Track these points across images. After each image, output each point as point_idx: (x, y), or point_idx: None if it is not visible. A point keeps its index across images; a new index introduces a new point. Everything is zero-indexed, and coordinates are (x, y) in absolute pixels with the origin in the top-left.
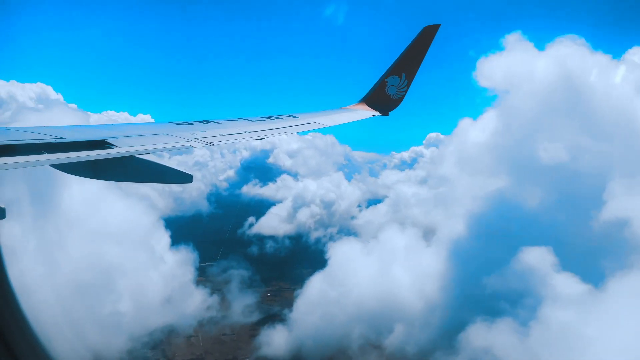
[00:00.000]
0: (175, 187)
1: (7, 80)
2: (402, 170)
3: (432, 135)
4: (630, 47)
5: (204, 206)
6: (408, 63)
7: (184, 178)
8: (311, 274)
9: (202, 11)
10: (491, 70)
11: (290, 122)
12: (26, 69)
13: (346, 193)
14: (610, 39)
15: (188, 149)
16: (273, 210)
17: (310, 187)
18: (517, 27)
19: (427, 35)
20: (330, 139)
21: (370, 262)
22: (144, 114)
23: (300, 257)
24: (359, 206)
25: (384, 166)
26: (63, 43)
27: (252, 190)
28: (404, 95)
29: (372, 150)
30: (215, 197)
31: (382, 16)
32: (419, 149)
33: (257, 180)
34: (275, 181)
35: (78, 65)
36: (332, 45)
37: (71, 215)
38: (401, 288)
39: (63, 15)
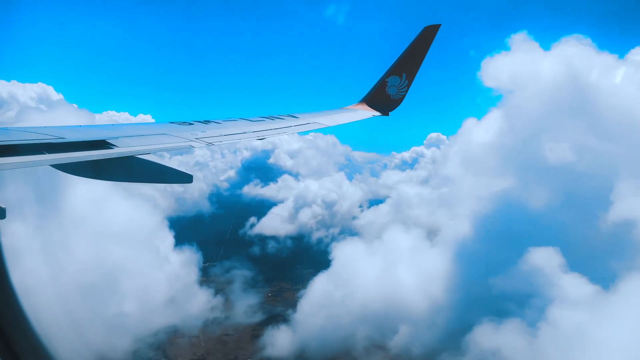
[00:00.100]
0: (177, 188)
1: (8, 80)
2: (403, 170)
3: (433, 135)
4: (633, 47)
5: (206, 206)
6: (408, 63)
7: (185, 178)
8: (314, 274)
9: (202, 11)
10: (496, 70)
11: (291, 122)
12: (27, 69)
13: (348, 193)
14: (616, 39)
15: (188, 149)
16: (274, 210)
17: (312, 187)
18: (521, 27)
19: (427, 35)
20: (331, 139)
21: (374, 262)
22: (145, 114)
23: (302, 258)
24: (360, 206)
25: (385, 166)
26: (64, 43)
27: (253, 190)
28: (404, 96)
29: (372, 150)
30: (216, 198)
31: (383, 16)
32: (420, 149)
33: (258, 181)
34: (277, 181)
35: (79, 65)
36: (333, 45)
37: (73, 216)
38: (406, 289)
39: (64, 16)
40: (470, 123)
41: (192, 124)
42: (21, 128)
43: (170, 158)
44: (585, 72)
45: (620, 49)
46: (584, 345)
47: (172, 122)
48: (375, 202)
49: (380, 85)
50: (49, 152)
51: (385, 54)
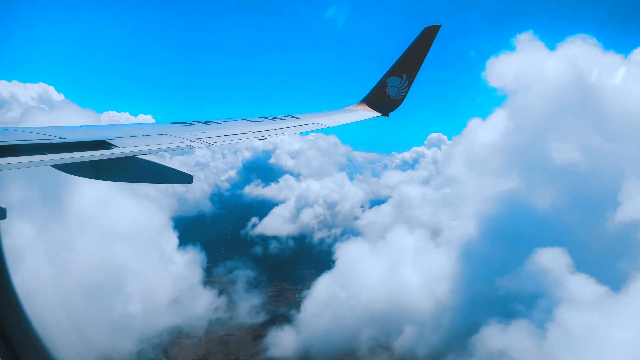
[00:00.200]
0: (178, 188)
1: (9, 81)
2: (404, 170)
3: (434, 135)
4: (636, 47)
5: (207, 207)
6: (409, 64)
7: (185, 178)
8: (316, 274)
9: (203, 11)
10: (501, 69)
11: (291, 122)
12: (28, 69)
13: (349, 193)
14: (622, 38)
15: (189, 150)
16: (276, 210)
17: (313, 187)
18: (524, 27)
19: (427, 36)
20: (332, 139)
21: (378, 262)
22: (145, 114)
23: (304, 258)
24: (361, 207)
25: (385, 166)
26: (65, 43)
27: (255, 190)
28: (404, 96)
29: (372, 150)
30: (217, 198)
31: (384, 17)
32: (421, 149)
33: (259, 181)
34: (278, 181)
35: (80, 65)
36: (333, 46)
37: (74, 216)
38: (410, 289)
39: (64, 16)
40: (474, 123)
41: (193, 124)
42: (22, 128)
43: (171, 158)
44: (590, 72)
45: (626, 49)
46: (593, 346)
47: (172, 123)
48: (376, 202)
49: (381, 86)
50: (50, 153)
51: (386, 54)
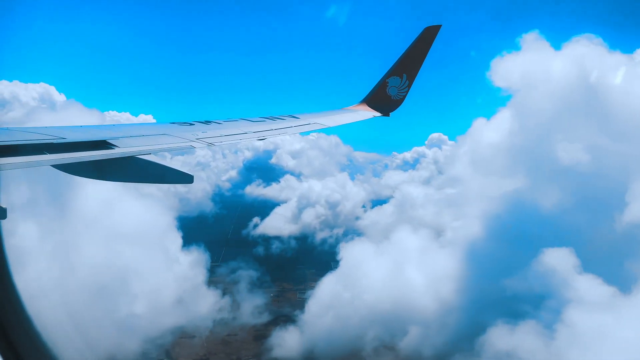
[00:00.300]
0: (180, 188)
1: (10, 81)
2: (405, 170)
3: (435, 135)
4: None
5: (209, 207)
6: (409, 64)
7: (185, 178)
8: (319, 275)
9: (204, 11)
10: (506, 69)
11: (291, 122)
12: (29, 69)
13: (351, 194)
14: (628, 38)
15: (189, 150)
16: (277, 210)
17: (315, 187)
18: (521, 26)
19: (428, 36)
20: (334, 139)
21: (383, 263)
22: (146, 114)
23: (307, 258)
24: (363, 207)
25: (386, 166)
26: (65, 43)
27: (256, 190)
28: (405, 96)
29: (373, 150)
30: (218, 198)
31: (385, 16)
32: (421, 149)
33: (260, 181)
34: (279, 182)
35: (80, 65)
36: (334, 45)
37: (76, 216)
38: (415, 289)
39: (65, 16)
40: (479, 123)
41: (193, 125)
42: (22, 128)
43: (171, 158)
44: (596, 71)
45: (632, 49)
46: (602, 347)
47: (173, 123)
48: (378, 202)
49: (381, 86)
50: (50, 153)
51: (386, 54)
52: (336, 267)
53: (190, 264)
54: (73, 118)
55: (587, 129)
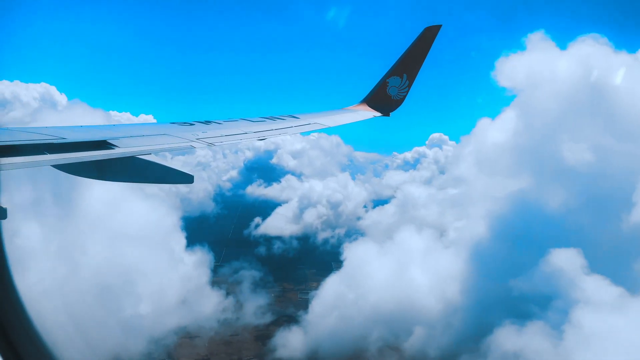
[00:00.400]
0: (182, 188)
1: (11, 80)
2: (405, 170)
3: (435, 135)
4: None
5: (210, 207)
6: (409, 64)
7: (186, 178)
8: (322, 275)
9: (204, 12)
10: (511, 69)
11: (292, 122)
12: (30, 69)
13: (353, 194)
14: (635, 38)
15: (189, 150)
16: (279, 210)
17: (316, 187)
18: (520, 26)
19: (428, 36)
20: (335, 139)
21: (386, 263)
22: (146, 114)
23: (309, 259)
24: (364, 207)
25: (386, 167)
26: (66, 43)
27: (257, 190)
28: (405, 96)
29: (373, 150)
30: (219, 198)
31: (386, 16)
32: (422, 149)
33: (261, 181)
34: (280, 182)
35: (81, 65)
36: (334, 46)
37: (78, 216)
38: (419, 290)
39: (65, 16)
40: (483, 123)
41: (193, 125)
42: (22, 128)
43: (172, 158)
44: (602, 71)
45: (638, 49)
46: (610, 348)
47: (173, 123)
48: (379, 202)
49: (381, 86)
50: (50, 153)
51: (387, 54)
52: (339, 268)
53: (194, 264)
54: (79, 118)
55: (592, 129)
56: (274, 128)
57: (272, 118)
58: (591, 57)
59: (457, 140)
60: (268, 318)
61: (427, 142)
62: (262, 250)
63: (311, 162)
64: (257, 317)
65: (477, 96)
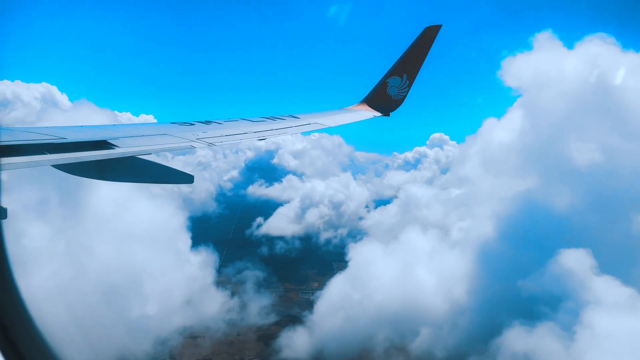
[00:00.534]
0: (184, 188)
1: (12, 80)
2: (406, 170)
3: (436, 135)
4: None
5: (212, 207)
6: (409, 64)
7: (186, 178)
8: (325, 275)
9: (205, 11)
10: (517, 68)
11: (292, 122)
12: (31, 68)
13: (355, 194)
14: None
15: (190, 150)
16: (280, 210)
17: (318, 187)
18: (520, 26)
19: (428, 36)
20: (337, 139)
21: (391, 263)
22: (147, 114)
23: (311, 259)
24: (366, 207)
25: (387, 167)
26: (66, 43)
27: (258, 190)
28: (405, 96)
29: (374, 150)
30: (221, 198)
31: (387, 16)
32: (423, 149)
33: (262, 181)
34: (281, 182)
35: (81, 65)
36: (334, 45)
37: (79, 216)
38: (425, 290)
39: (66, 15)
40: (489, 122)
41: (194, 125)
42: (23, 128)
43: (172, 158)
44: (609, 71)
45: None
46: (622, 349)
47: (173, 123)
48: (381, 202)
49: (382, 86)
50: (51, 153)
51: (387, 54)
52: (342, 268)
53: (197, 264)
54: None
55: (600, 129)
56: (274, 128)
57: (272, 118)
58: (598, 56)
59: (458, 140)
60: (270, 318)
61: (427, 142)
62: (264, 250)
63: (312, 162)
64: (259, 317)
65: (477, 96)
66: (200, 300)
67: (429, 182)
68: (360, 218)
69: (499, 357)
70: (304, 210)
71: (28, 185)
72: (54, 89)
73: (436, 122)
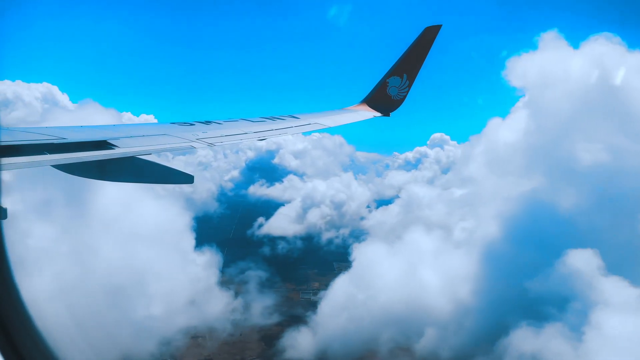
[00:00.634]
0: (186, 188)
1: (13, 80)
2: (407, 170)
3: (437, 135)
4: None
5: (214, 207)
6: (409, 64)
7: (186, 179)
8: (328, 275)
9: (205, 12)
10: (521, 68)
11: (292, 122)
12: (31, 68)
13: (356, 194)
14: None
15: (190, 150)
16: (282, 210)
17: (319, 187)
18: (520, 26)
19: (428, 36)
20: (338, 139)
21: (395, 263)
22: (147, 114)
23: (314, 259)
24: (367, 207)
25: (387, 167)
26: (66, 42)
27: (259, 190)
28: (405, 96)
29: (374, 150)
30: (221, 198)
31: (387, 16)
32: (423, 149)
33: (263, 181)
34: (282, 182)
35: (82, 64)
36: (334, 45)
37: (76, 216)
38: (430, 291)
39: (66, 15)
40: (493, 122)
41: (194, 125)
42: (23, 128)
43: (173, 158)
44: (615, 70)
45: None
46: (633, 350)
47: (173, 123)
48: (382, 202)
49: (382, 86)
50: (50, 153)
51: (388, 54)
52: (344, 268)
53: (201, 265)
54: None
55: (605, 129)
56: (274, 128)
57: (272, 118)
58: (604, 56)
59: (459, 140)
60: (273, 319)
61: (428, 142)
62: (266, 250)
63: (313, 162)
64: (261, 317)
65: (478, 96)
66: (204, 300)
67: (430, 182)
68: (362, 218)
69: (506, 357)
70: (305, 210)
71: (28, 185)
72: (54, 89)
73: (437, 122)
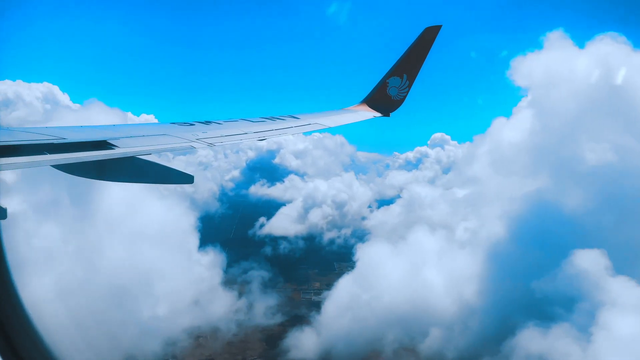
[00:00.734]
0: (187, 188)
1: (14, 80)
2: (408, 170)
3: (437, 135)
4: None
5: (215, 206)
6: (409, 64)
7: (186, 179)
8: (330, 275)
9: (205, 12)
10: (526, 68)
11: (292, 122)
12: (31, 68)
13: (357, 193)
14: None
15: (190, 150)
16: (283, 210)
17: (321, 187)
18: (520, 26)
19: (428, 36)
20: (339, 139)
21: (399, 263)
22: (148, 114)
23: (316, 259)
24: (369, 207)
25: (387, 167)
26: (67, 42)
27: (260, 190)
28: (405, 97)
29: (374, 150)
30: (223, 198)
31: (387, 15)
32: (424, 149)
33: (264, 181)
34: (283, 181)
35: (82, 64)
36: (334, 45)
37: (77, 216)
38: (435, 291)
39: (66, 15)
40: (498, 122)
41: (194, 125)
42: (23, 128)
43: (173, 158)
44: (620, 70)
45: None
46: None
47: (173, 123)
48: (383, 202)
49: (382, 86)
50: (50, 153)
51: (388, 54)
52: (345, 268)
53: (205, 264)
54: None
55: (611, 128)
56: (274, 128)
57: (272, 118)
58: (609, 55)
59: (460, 140)
60: (275, 319)
61: (429, 141)
62: (267, 250)
63: (314, 162)
64: (264, 317)
65: (479, 96)
66: (207, 300)
67: (431, 182)
68: (364, 218)
69: (513, 358)
70: (306, 210)
71: (28, 185)
72: (55, 89)
73: (437, 122)
